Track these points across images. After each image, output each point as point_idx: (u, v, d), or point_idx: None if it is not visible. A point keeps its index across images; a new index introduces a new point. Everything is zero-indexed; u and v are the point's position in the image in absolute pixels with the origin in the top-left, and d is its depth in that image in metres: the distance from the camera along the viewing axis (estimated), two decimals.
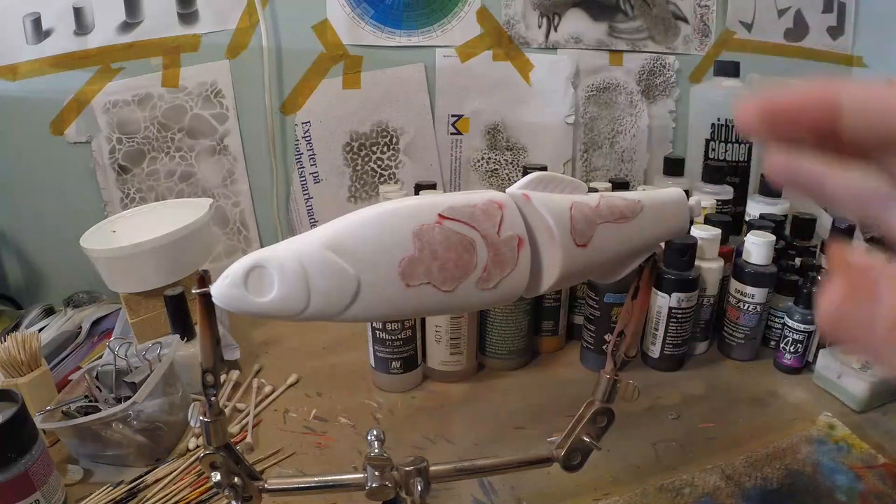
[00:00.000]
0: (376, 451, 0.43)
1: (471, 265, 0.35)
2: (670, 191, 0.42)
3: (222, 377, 0.69)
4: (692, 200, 0.42)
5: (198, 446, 0.60)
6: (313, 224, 0.99)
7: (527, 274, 0.36)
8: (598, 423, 0.47)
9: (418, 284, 0.34)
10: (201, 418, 0.40)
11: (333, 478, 0.44)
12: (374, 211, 0.35)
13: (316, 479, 0.45)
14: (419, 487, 0.41)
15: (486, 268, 0.35)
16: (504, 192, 0.38)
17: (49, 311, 0.84)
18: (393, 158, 1.00)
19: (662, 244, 0.70)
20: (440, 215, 0.34)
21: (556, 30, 1.00)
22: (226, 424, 0.42)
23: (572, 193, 0.39)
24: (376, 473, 0.42)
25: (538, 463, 0.47)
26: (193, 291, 0.35)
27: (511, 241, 0.36)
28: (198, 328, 0.36)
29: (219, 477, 0.41)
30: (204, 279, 0.35)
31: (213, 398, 0.40)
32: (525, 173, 0.41)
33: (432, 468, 0.43)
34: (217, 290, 0.33)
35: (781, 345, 0.72)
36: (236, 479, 0.42)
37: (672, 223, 0.41)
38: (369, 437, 0.44)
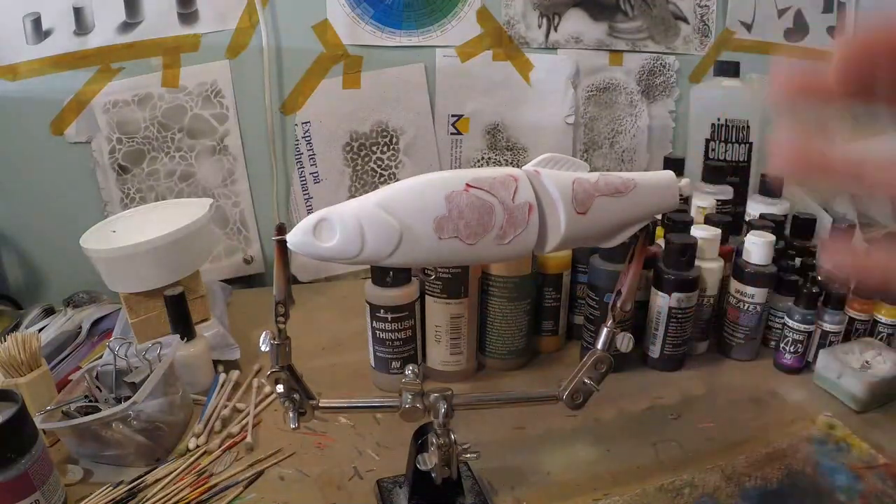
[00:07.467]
0: (412, 379, 0.51)
1: (490, 224, 0.43)
2: (662, 173, 0.49)
3: (222, 377, 0.70)
4: (682, 182, 0.49)
5: (198, 446, 0.60)
6: None
7: (535, 234, 0.44)
8: (598, 369, 0.54)
9: (448, 238, 0.42)
10: (271, 341, 0.49)
11: (375, 400, 0.55)
12: (415, 179, 0.43)
13: (361, 400, 0.54)
14: (443, 410, 0.49)
15: (502, 227, 0.43)
16: (520, 168, 0.45)
17: (49, 311, 0.84)
18: (393, 158, 1.00)
19: (663, 245, 0.71)
20: (467, 184, 0.42)
21: (556, 30, 1.00)
22: (289, 348, 0.50)
23: (576, 172, 0.46)
24: (410, 396, 0.50)
25: (546, 399, 0.54)
26: (273, 238, 0.44)
27: (523, 206, 0.43)
28: (274, 268, 0.46)
29: (282, 388, 0.49)
30: (281, 229, 0.44)
31: (281, 325, 0.48)
32: None
33: (455, 399, 0.51)
34: (292, 237, 0.41)
35: (781, 345, 0.72)
36: (295, 395, 0.50)
37: (663, 200, 0.48)
38: (406, 370, 0.51)
